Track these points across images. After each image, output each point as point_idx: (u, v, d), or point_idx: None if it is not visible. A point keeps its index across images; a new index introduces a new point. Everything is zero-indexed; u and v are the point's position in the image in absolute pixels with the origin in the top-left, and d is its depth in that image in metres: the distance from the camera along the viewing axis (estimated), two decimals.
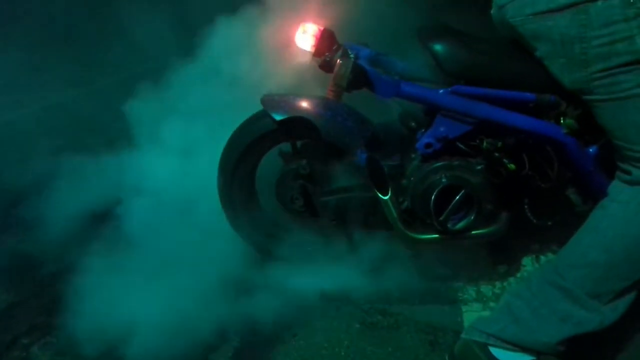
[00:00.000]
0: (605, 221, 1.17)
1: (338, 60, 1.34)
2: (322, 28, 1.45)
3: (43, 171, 1.98)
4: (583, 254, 1.16)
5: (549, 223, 1.47)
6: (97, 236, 1.74)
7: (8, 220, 2.01)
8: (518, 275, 1.63)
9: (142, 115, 1.76)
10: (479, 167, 1.40)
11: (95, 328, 1.41)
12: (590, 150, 1.35)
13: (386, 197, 1.43)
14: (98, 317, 1.43)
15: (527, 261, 1.66)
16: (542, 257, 1.65)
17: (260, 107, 1.52)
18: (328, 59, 1.42)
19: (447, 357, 1.29)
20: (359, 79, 1.34)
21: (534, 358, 1.17)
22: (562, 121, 1.33)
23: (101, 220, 1.82)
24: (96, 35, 3.03)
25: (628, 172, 1.18)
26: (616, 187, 1.20)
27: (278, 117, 1.48)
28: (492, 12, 1.35)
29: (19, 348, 1.44)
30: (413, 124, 1.51)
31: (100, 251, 1.66)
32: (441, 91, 1.35)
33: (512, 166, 1.37)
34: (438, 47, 1.33)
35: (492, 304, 1.53)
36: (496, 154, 1.37)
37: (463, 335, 1.25)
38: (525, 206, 1.48)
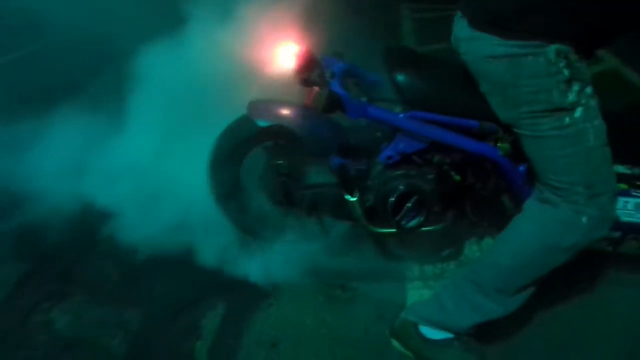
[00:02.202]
0: (514, 234, 1.45)
1: (315, 88, 1.55)
2: (303, 48, 1.65)
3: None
4: (495, 258, 1.45)
5: (486, 223, 1.77)
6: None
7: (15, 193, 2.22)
8: (458, 258, 1.94)
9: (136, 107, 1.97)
10: (430, 177, 1.66)
11: None
12: (520, 168, 1.61)
13: (353, 199, 1.70)
14: None
15: (467, 247, 1.97)
16: (477, 246, 1.96)
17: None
18: (306, 77, 1.63)
19: (388, 330, 1.59)
20: (332, 104, 1.56)
21: (453, 336, 1.49)
22: (499, 145, 1.57)
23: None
24: None
25: (540, 191, 1.43)
26: (529, 204, 1.46)
27: (262, 124, 1.71)
28: (451, 40, 1.56)
29: (41, 312, 1.71)
30: (379, 134, 1.75)
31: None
32: (401, 115, 1.58)
33: (457, 177, 1.65)
34: (400, 78, 1.53)
35: (431, 283, 1.82)
36: (445, 167, 1.65)
37: (401, 315, 1.55)
38: (468, 209, 1.77)
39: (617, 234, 1.70)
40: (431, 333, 1.50)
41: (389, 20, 4.82)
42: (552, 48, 1.25)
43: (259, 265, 1.86)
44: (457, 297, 1.48)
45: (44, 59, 3.67)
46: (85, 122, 2.21)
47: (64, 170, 2.12)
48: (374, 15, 4.37)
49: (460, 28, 1.41)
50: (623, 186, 1.68)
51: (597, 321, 1.68)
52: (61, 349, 1.58)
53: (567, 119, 1.30)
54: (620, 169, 1.74)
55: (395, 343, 1.55)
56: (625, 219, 1.65)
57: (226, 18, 1.84)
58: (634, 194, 1.67)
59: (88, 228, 2.00)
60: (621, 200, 1.65)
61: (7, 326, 1.66)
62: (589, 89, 1.32)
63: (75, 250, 1.98)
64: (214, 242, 1.90)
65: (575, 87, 1.29)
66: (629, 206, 1.66)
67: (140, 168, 2.02)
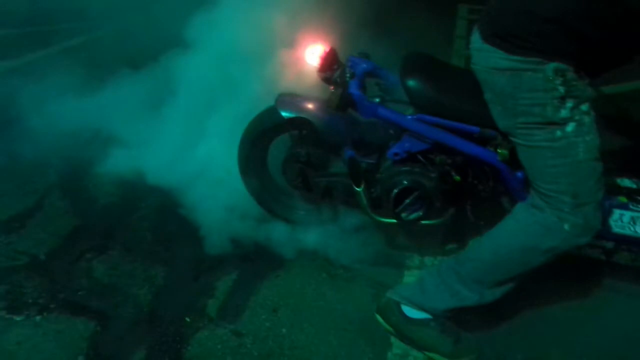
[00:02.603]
0: (500, 232, 1.56)
1: (331, 88, 1.73)
2: (327, 49, 1.83)
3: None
4: (477, 252, 1.58)
5: (482, 223, 1.89)
6: None
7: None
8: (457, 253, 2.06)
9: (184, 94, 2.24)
10: (433, 175, 1.79)
11: None
12: (518, 174, 1.72)
13: (359, 189, 1.87)
14: None
15: (467, 244, 2.08)
16: None
17: None
18: (328, 76, 1.81)
19: (376, 308, 1.76)
20: (345, 104, 1.72)
21: (431, 317, 1.63)
22: (498, 150, 1.66)
23: None
24: None
25: (532, 197, 1.54)
26: (519, 206, 1.57)
27: (286, 115, 1.90)
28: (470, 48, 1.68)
29: (84, 261, 2.00)
30: (392, 131, 1.90)
31: None
32: (409, 117, 1.73)
33: (457, 178, 1.78)
34: (410, 83, 1.67)
35: None
36: (446, 168, 1.78)
37: (387, 294, 1.71)
38: (468, 208, 1.90)
39: (610, 244, 1.78)
40: (411, 312, 1.65)
41: (444, 21, 4.84)
42: (551, 66, 1.35)
43: (273, 240, 2.08)
44: (438, 282, 1.62)
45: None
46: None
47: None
48: (430, 16, 4.39)
49: (475, 38, 1.53)
50: (623, 199, 1.75)
51: (583, 323, 1.78)
52: (97, 292, 1.86)
53: (558, 132, 1.41)
54: (626, 182, 1.82)
55: (380, 319, 1.71)
56: (617, 230, 1.73)
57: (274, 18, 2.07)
58: (631, 207, 1.73)
59: (132, 195, 2.28)
60: (617, 212, 1.73)
61: (57, 270, 1.96)
62: (584, 106, 1.41)
63: (119, 213, 2.27)
64: (238, 217, 2.13)
65: (569, 103, 1.38)
66: (624, 219, 1.73)
67: (182, 145, 2.29)
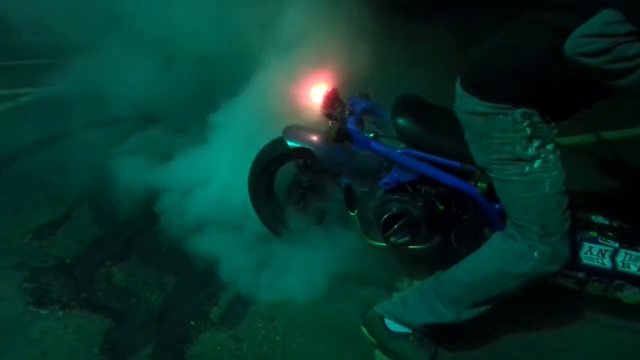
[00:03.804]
0: (477, 257, 1.73)
1: (330, 123, 1.96)
2: (329, 89, 2.08)
3: None
4: (457, 274, 1.74)
5: (464, 250, 2.06)
6: None
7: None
8: None
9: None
10: (419, 204, 1.98)
11: None
12: (496, 206, 1.90)
13: (353, 214, 2.07)
14: None
15: None
16: None
17: None
18: (330, 113, 2.05)
19: (362, 320, 1.92)
20: (341, 137, 1.94)
21: (410, 331, 1.79)
22: (478, 184, 1.84)
23: None
24: None
25: (508, 227, 1.71)
26: (495, 235, 1.75)
27: (291, 145, 2.14)
28: None
29: (104, 267, 2.23)
30: (385, 164, 2.12)
31: None
32: (398, 151, 1.95)
33: (441, 207, 1.98)
34: (400, 122, 1.90)
35: None
36: (431, 197, 1.98)
37: (373, 308, 1.88)
38: (452, 237, 2.08)
39: (581, 275, 1.92)
40: (393, 326, 1.82)
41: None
42: (519, 111, 1.57)
43: (275, 258, 2.26)
44: (419, 300, 1.79)
45: None
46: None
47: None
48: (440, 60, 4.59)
49: (457, 86, 1.75)
50: (593, 233, 1.91)
51: (556, 349, 1.93)
52: (115, 295, 2.08)
53: (527, 168, 1.60)
54: (600, 219, 1.98)
55: (364, 330, 1.88)
56: (587, 262, 1.87)
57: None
58: (600, 241, 1.88)
59: (152, 211, 2.53)
60: (587, 245, 1.88)
61: (81, 273, 2.19)
62: (550, 146, 1.61)
63: (138, 226, 2.51)
64: (245, 236, 2.36)
65: (536, 143, 1.59)
66: (593, 251, 1.88)
67: (199, 169, 2.56)
